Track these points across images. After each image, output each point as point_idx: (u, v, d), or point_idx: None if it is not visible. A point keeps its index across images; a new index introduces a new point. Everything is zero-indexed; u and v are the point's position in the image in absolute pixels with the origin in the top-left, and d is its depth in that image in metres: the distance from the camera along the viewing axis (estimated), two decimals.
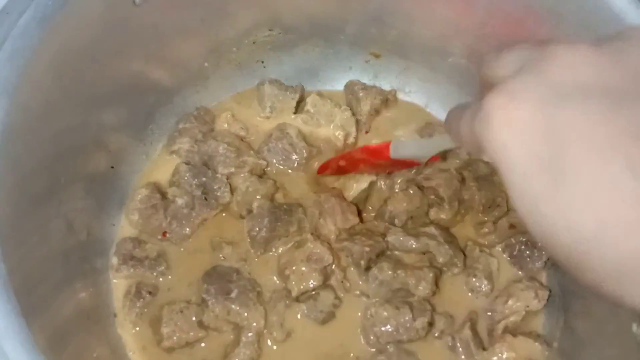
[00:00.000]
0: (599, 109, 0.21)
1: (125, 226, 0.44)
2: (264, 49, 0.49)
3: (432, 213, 0.46)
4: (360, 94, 0.50)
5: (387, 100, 0.51)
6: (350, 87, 0.51)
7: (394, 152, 0.41)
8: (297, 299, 0.42)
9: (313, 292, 0.42)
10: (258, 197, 0.45)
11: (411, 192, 0.45)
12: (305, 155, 0.48)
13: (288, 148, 0.48)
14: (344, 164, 0.46)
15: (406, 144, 0.42)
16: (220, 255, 0.43)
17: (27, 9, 0.30)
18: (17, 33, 0.30)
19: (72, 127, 0.36)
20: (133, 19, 0.37)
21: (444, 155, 0.46)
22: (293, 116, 0.50)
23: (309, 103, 0.49)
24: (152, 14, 0.38)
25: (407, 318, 0.40)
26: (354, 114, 0.50)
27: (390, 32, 0.48)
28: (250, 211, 0.45)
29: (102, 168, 0.42)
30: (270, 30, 0.47)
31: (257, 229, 0.43)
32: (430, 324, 0.41)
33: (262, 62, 0.50)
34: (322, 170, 0.47)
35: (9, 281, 0.25)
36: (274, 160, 0.48)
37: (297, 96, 0.50)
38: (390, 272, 0.42)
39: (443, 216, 0.46)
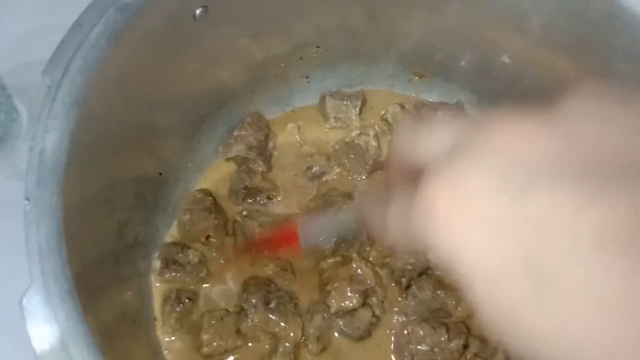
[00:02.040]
0: (576, 193, 0.17)
1: (169, 232, 0.45)
2: (310, 65, 0.50)
3: None
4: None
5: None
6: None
7: (305, 243, 0.40)
8: (335, 314, 0.42)
9: (350, 310, 0.43)
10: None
11: None
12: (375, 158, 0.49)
13: (367, 151, 0.49)
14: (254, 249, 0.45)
15: (312, 230, 0.40)
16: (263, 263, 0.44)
17: (97, 23, 0.32)
18: (89, 45, 0.31)
19: (129, 135, 0.37)
20: (192, 33, 0.39)
21: None
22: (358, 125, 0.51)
23: (388, 113, 0.51)
24: (209, 29, 0.39)
25: (443, 339, 0.41)
26: None
27: (436, 53, 0.48)
28: None
29: (151, 174, 0.43)
30: (317, 47, 0.48)
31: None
32: (465, 347, 0.41)
33: (307, 77, 0.51)
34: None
35: (74, 285, 0.26)
36: (351, 166, 0.49)
37: (359, 103, 0.51)
38: (429, 292, 0.42)
39: None
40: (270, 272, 0.44)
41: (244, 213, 0.47)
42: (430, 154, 0.21)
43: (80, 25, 0.31)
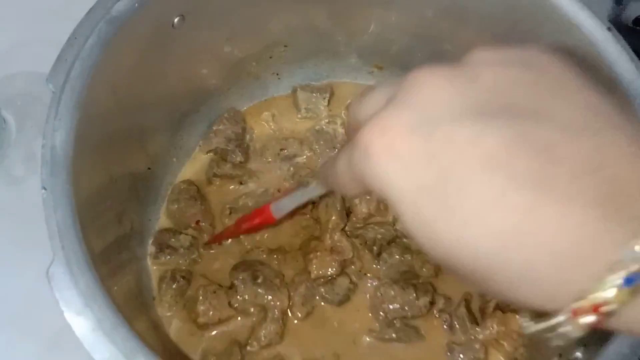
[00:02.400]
0: (470, 128, 0.22)
1: (161, 220, 0.50)
2: (279, 62, 0.55)
3: None
4: None
5: None
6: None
7: (277, 214, 0.44)
8: (316, 281, 0.48)
9: (330, 278, 0.48)
10: None
11: None
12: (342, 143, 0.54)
13: (335, 137, 0.54)
14: (231, 234, 0.49)
15: (284, 202, 0.44)
16: (246, 243, 0.49)
17: (91, 35, 0.36)
18: (84, 55, 0.36)
19: (122, 132, 0.42)
20: (171, 39, 0.43)
21: None
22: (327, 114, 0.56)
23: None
24: (186, 35, 0.44)
25: (411, 297, 0.46)
26: None
27: (392, 47, 0.54)
28: None
29: (141, 169, 0.48)
30: (285, 46, 0.53)
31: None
32: (432, 303, 0.47)
33: (277, 74, 0.56)
34: (213, 241, 0.50)
35: (90, 258, 0.31)
36: (320, 150, 0.54)
37: (327, 95, 0.56)
38: (398, 257, 0.48)
39: None
40: (260, 255, 0.49)
41: (228, 207, 0.51)
42: (371, 111, 0.25)
43: (76, 38, 0.36)
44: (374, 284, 0.48)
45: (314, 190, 0.39)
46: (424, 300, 0.46)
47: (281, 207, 0.43)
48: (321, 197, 0.49)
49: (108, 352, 0.28)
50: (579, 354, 0.35)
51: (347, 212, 0.51)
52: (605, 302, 0.19)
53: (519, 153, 0.20)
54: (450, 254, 0.22)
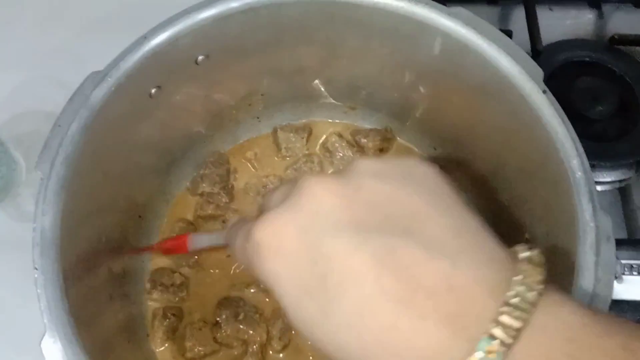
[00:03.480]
0: (348, 241, 0.24)
1: (155, 259, 0.55)
2: (258, 108, 0.59)
3: None
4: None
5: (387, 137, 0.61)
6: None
7: (191, 246, 0.49)
8: None
9: None
10: None
11: None
12: None
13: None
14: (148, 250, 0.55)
15: (200, 238, 0.49)
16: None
17: (73, 121, 0.41)
18: (68, 141, 0.40)
19: (111, 197, 0.47)
20: (151, 107, 0.48)
21: None
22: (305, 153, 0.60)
23: (329, 142, 0.60)
24: (164, 101, 0.49)
25: None
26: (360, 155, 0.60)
27: (360, 92, 0.58)
28: None
29: (132, 220, 0.53)
30: (262, 95, 0.58)
31: None
32: None
33: (258, 117, 0.61)
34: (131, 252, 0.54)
35: (76, 329, 0.36)
36: None
37: (305, 134, 0.60)
38: None
39: None
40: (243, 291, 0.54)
41: None
42: (272, 205, 0.28)
43: (59, 126, 0.41)
44: None
45: (221, 238, 0.44)
46: None
47: (196, 242, 0.49)
48: None
49: None
50: None
51: None
52: None
53: (385, 271, 0.24)
54: (327, 352, 0.25)
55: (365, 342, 0.24)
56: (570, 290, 0.37)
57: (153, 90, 0.47)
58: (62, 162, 0.40)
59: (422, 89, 0.53)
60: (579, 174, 0.40)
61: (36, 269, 0.37)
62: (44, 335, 0.36)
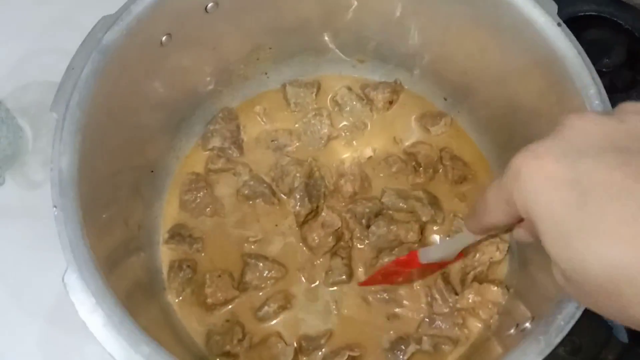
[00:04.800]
0: (612, 161, 0.26)
1: (171, 212, 0.55)
2: (267, 63, 0.59)
3: (410, 178, 0.57)
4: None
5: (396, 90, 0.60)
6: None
7: (423, 258, 0.48)
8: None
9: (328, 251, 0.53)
10: (298, 176, 0.55)
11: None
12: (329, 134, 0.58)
13: (320, 129, 0.58)
14: (382, 279, 0.52)
15: (431, 249, 0.49)
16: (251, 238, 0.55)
17: (86, 65, 0.41)
18: (81, 84, 0.40)
19: (123, 146, 0.47)
20: (161, 56, 0.48)
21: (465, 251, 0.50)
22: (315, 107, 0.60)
23: (338, 95, 0.60)
24: (175, 50, 0.48)
25: None
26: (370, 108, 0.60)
27: (369, 43, 0.57)
28: (291, 191, 0.55)
29: (144, 174, 0.53)
30: (270, 48, 0.57)
31: (298, 206, 0.54)
32: None
33: (266, 73, 0.60)
34: (365, 284, 0.53)
35: (98, 265, 0.36)
36: (307, 141, 0.59)
37: (314, 89, 0.60)
38: (385, 228, 0.53)
39: (418, 180, 0.57)
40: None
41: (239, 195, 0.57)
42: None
43: (73, 68, 0.41)
44: (368, 256, 0.53)
45: (462, 241, 0.42)
46: None
47: (429, 255, 0.48)
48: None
49: (117, 343, 0.34)
50: (528, 325, 0.40)
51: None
52: None
53: None
54: (581, 267, 0.25)
55: (626, 251, 0.24)
56: None
57: (163, 38, 0.47)
58: (77, 104, 0.40)
59: (433, 35, 0.52)
60: (596, 102, 0.40)
61: (55, 207, 0.37)
62: (65, 270, 0.36)
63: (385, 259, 0.52)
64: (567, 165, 0.26)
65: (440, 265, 0.52)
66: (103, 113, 0.42)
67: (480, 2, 0.46)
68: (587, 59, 0.42)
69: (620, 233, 0.24)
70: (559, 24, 0.43)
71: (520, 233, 0.37)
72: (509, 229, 0.37)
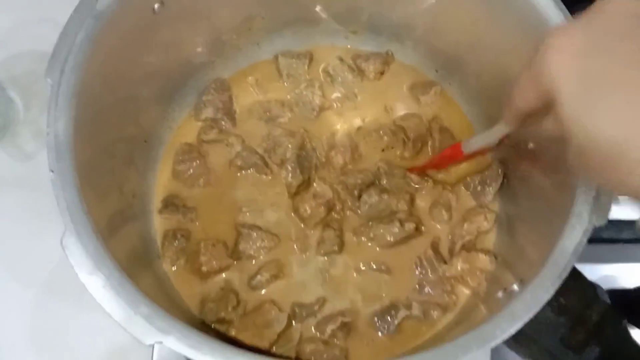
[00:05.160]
0: (632, 47, 0.28)
1: (165, 182, 0.56)
2: (259, 33, 0.59)
3: (399, 152, 0.57)
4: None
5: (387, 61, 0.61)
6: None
7: (466, 149, 0.50)
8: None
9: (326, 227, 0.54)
10: (290, 147, 0.56)
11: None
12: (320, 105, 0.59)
13: (312, 100, 0.59)
14: (431, 166, 0.56)
15: (473, 140, 0.50)
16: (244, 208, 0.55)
17: (79, 31, 0.41)
18: (75, 50, 0.40)
19: (117, 113, 0.47)
20: (154, 24, 0.48)
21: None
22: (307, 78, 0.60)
23: (329, 67, 0.60)
24: (167, 18, 0.48)
25: (396, 228, 0.53)
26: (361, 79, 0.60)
27: (362, 14, 0.57)
28: (283, 162, 0.56)
29: (138, 142, 0.53)
30: (262, 18, 0.57)
31: (290, 177, 0.55)
32: (417, 229, 0.53)
33: (258, 43, 0.60)
34: (412, 170, 0.56)
35: (95, 228, 0.37)
36: (299, 112, 0.59)
37: (307, 60, 0.60)
38: (377, 197, 0.54)
39: (406, 154, 0.57)
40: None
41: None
42: None
43: (67, 34, 0.40)
44: (357, 224, 0.54)
45: (499, 130, 0.44)
46: (408, 226, 0.53)
47: (471, 145, 0.50)
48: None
49: (116, 303, 0.35)
50: (515, 287, 0.41)
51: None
52: None
53: None
54: (590, 137, 0.28)
55: (633, 125, 0.27)
56: None
57: (156, 6, 0.47)
58: (71, 70, 0.40)
59: (425, 6, 0.53)
60: None
61: (52, 171, 0.37)
62: (63, 234, 0.36)
63: (377, 229, 0.53)
64: (594, 40, 0.29)
65: (482, 152, 0.54)
66: (97, 80, 0.42)
67: None
68: None
69: (624, 112, 0.27)
70: None
71: (548, 125, 0.37)
72: (538, 118, 0.37)
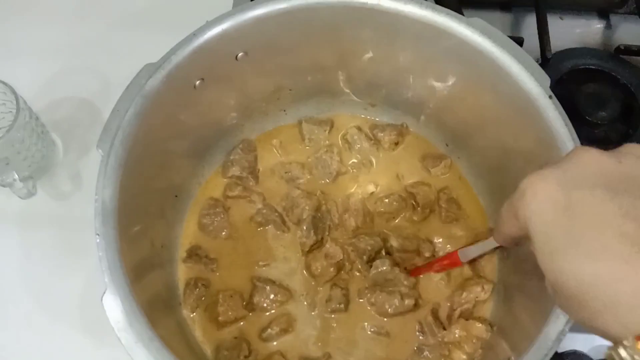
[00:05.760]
0: (600, 197, 0.30)
1: (191, 233, 0.61)
2: (286, 101, 0.64)
3: (407, 215, 0.62)
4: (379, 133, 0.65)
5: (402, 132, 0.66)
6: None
7: (463, 258, 0.56)
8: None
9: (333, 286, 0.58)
10: (307, 208, 0.61)
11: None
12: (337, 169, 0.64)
13: (330, 165, 0.64)
14: (430, 270, 0.60)
15: (469, 250, 0.55)
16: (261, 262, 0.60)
17: (129, 107, 0.46)
18: (125, 125, 0.46)
19: (156, 177, 0.53)
20: (194, 97, 0.53)
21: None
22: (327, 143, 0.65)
23: (348, 134, 0.65)
24: (206, 92, 0.54)
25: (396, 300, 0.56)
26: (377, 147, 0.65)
27: (380, 90, 0.63)
28: (299, 222, 0.61)
29: (170, 198, 0.58)
30: (290, 90, 0.63)
31: (305, 237, 0.60)
32: (415, 305, 0.57)
33: (284, 110, 0.66)
34: (413, 274, 0.60)
35: (131, 287, 0.41)
36: (318, 174, 0.64)
37: (328, 127, 0.66)
38: (388, 267, 0.58)
39: (415, 218, 0.62)
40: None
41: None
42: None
43: (118, 110, 0.46)
44: (363, 285, 0.58)
45: (491, 244, 0.49)
46: (408, 302, 0.57)
47: (467, 254, 0.56)
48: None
49: (145, 357, 0.39)
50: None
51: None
52: None
53: (629, 220, 0.29)
54: (561, 279, 0.31)
55: (600, 271, 0.29)
56: None
57: (197, 82, 0.52)
58: (120, 143, 0.45)
59: (438, 89, 0.58)
60: None
61: (98, 234, 0.42)
62: (104, 292, 0.41)
63: (378, 296, 0.57)
64: (564, 192, 0.31)
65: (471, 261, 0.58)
66: (141, 150, 0.47)
67: (482, 67, 0.51)
68: (573, 130, 0.47)
69: (593, 255, 0.29)
70: (550, 96, 0.48)
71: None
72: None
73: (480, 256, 0.58)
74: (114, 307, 0.40)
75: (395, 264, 0.59)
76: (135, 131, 0.46)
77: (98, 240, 0.42)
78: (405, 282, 0.58)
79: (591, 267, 0.29)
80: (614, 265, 0.29)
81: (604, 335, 0.31)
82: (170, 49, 0.48)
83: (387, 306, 0.56)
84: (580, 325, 0.32)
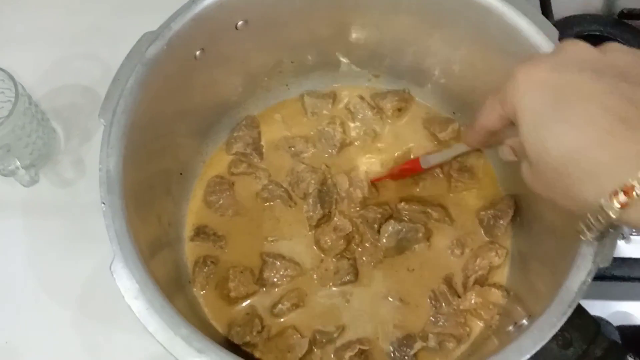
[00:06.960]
0: (587, 77, 0.33)
1: (197, 211, 0.60)
2: (288, 75, 0.63)
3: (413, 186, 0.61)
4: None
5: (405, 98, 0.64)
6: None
7: (424, 164, 0.57)
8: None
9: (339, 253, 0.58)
10: (312, 182, 0.60)
11: None
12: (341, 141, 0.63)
13: (334, 136, 0.63)
14: (390, 177, 0.61)
15: (431, 157, 0.57)
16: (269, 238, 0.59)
17: (130, 76, 0.45)
18: (127, 94, 0.45)
19: (159, 150, 0.52)
20: (195, 69, 0.52)
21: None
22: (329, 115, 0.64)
23: (351, 104, 0.64)
24: (207, 63, 0.53)
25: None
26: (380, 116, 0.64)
27: (384, 60, 0.62)
28: (306, 196, 0.60)
29: (175, 175, 0.57)
30: (292, 62, 0.62)
31: (311, 211, 0.59)
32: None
33: (287, 85, 0.65)
34: (376, 180, 0.61)
35: (141, 256, 0.40)
36: (322, 147, 0.63)
37: (331, 100, 0.65)
38: (398, 226, 0.57)
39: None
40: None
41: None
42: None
43: (119, 79, 0.45)
44: (374, 254, 0.58)
45: (456, 150, 0.50)
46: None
47: (429, 161, 0.57)
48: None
49: (158, 325, 0.38)
50: (524, 322, 0.44)
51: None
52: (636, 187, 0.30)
53: (613, 96, 0.32)
54: (544, 149, 0.33)
55: (582, 139, 0.31)
56: None
57: (198, 52, 0.51)
58: (122, 112, 0.44)
59: (444, 54, 0.57)
60: None
61: (103, 203, 0.41)
62: (112, 260, 0.40)
63: (391, 260, 0.57)
64: (553, 75, 0.34)
65: (439, 166, 0.60)
66: (144, 120, 0.47)
67: (489, 26, 0.50)
68: None
69: (577, 125, 0.32)
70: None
71: (505, 151, 0.44)
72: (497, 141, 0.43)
73: (441, 164, 0.58)
74: (124, 275, 0.39)
75: (402, 221, 0.58)
76: (137, 100, 0.45)
77: (104, 209, 0.41)
78: (418, 236, 0.57)
79: (575, 135, 0.32)
80: (596, 133, 0.31)
81: (579, 204, 0.33)
82: (170, 16, 0.47)
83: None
84: None
